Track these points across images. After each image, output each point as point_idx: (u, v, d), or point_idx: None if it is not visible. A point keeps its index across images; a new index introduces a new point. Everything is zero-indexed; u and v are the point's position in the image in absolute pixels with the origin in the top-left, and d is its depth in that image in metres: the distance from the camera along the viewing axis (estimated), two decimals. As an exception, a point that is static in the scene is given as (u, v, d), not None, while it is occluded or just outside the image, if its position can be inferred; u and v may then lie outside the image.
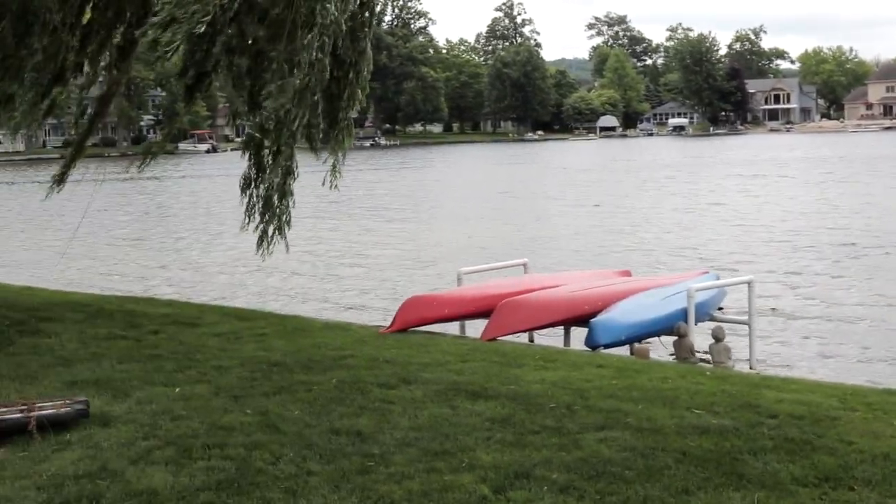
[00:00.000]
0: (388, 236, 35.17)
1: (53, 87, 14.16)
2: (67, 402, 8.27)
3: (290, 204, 11.95)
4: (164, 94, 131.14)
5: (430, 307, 13.99)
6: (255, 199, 11.88)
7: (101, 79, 15.26)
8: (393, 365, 10.42)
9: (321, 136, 11.77)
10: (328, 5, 10.60)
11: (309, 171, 11.77)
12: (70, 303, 14.71)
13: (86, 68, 15.04)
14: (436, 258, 28.87)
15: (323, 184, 11.76)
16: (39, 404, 8.11)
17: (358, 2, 11.64)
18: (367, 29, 12.05)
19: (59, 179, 14.97)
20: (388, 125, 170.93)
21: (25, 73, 13.35)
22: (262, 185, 11.84)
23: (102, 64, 15.07)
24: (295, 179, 11.88)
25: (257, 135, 11.64)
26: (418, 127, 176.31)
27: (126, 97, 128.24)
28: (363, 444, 7.58)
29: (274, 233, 11.86)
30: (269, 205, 11.84)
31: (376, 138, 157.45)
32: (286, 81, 11.02)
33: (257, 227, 11.77)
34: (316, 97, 11.09)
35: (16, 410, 7.97)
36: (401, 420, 8.26)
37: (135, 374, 9.98)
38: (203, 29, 10.91)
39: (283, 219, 11.99)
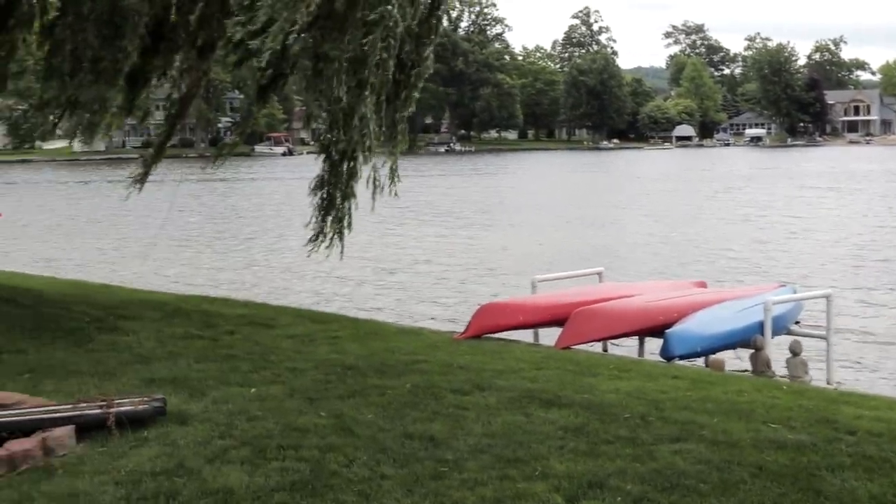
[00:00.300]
0: (461, 243, 35.18)
1: (139, 89, 14.38)
2: (145, 399, 8.36)
3: (352, 206, 12.02)
4: (241, 96, 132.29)
5: (504, 314, 13.97)
6: (322, 199, 11.98)
7: (181, 80, 15.44)
8: (467, 371, 10.41)
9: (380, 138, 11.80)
10: (392, 8, 10.67)
11: (379, 177, 11.79)
12: (148, 301, 14.87)
13: (172, 71, 15.24)
14: (509, 265, 28.83)
15: (383, 190, 11.86)
16: (118, 401, 8.21)
17: (427, 7, 11.69)
18: (433, 35, 12.10)
19: (140, 179, 15.16)
20: (463, 131, 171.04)
21: (118, 75, 13.57)
22: (327, 186, 11.95)
23: (183, 66, 15.25)
24: (357, 181, 11.94)
25: (327, 135, 11.73)
26: (493, 133, 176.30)
27: (204, 99, 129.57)
28: (436, 450, 7.58)
29: (333, 234, 11.96)
30: (332, 204, 11.93)
31: (451, 144, 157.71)
32: (349, 81, 11.11)
33: (315, 223, 11.87)
34: (380, 97, 11.15)
35: (95, 406, 8.07)
36: (474, 426, 8.24)
37: (211, 373, 10.06)
38: (295, 36, 11.04)
39: (344, 221, 12.08)
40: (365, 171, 12.07)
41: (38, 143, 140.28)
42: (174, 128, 16.46)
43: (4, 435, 7.76)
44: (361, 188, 12.23)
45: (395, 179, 12.20)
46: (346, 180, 11.96)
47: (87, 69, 13.46)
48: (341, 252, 12.24)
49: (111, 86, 13.71)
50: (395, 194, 11.99)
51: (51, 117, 13.40)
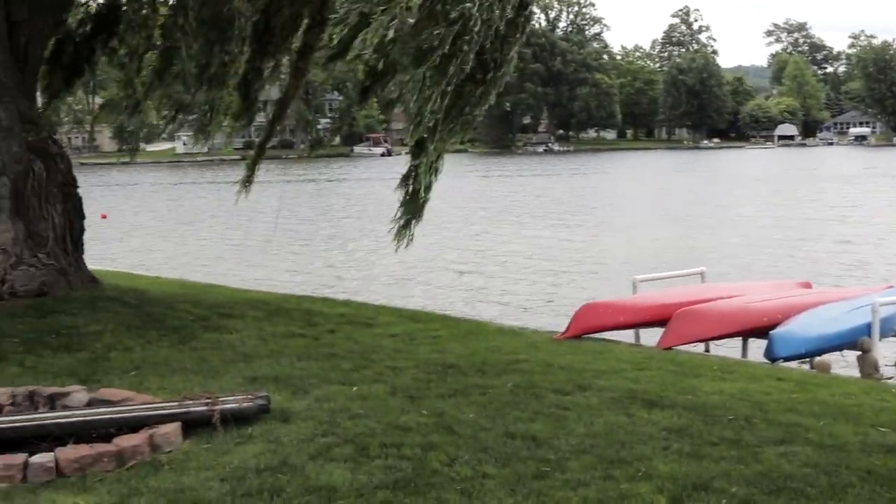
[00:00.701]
0: (560, 243, 35.07)
1: (250, 91, 14.57)
2: (249, 396, 8.44)
3: (425, 200, 12.05)
4: (340, 97, 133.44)
5: (605, 314, 13.88)
6: (405, 194, 12.04)
7: (280, 82, 15.63)
8: (568, 371, 10.36)
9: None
10: (471, 6, 10.65)
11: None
12: (250, 300, 15.04)
13: (272, 72, 15.42)
14: (609, 265, 28.69)
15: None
16: (223, 398, 8.31)
17: (515, 7, 11.65)
18: (518, 35, 12.07)
19: (247, 181, 15.35)
20: (561, 131, 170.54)
21: (226, 78, 13.76)
22: (409, 181, 11.99)
23: (284, 68, 15.43)
24: (435, 175, 11.96)
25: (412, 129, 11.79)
26: (592, 133, 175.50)
27: (304, 101, 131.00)
28: (538, 449, 7.54)
29: (412, 225, 12.02)
30: (415, 199, 11.97)
31: (549, 144, 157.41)
32: (414, 74, 11.13)
33: (399, 218, 11.93)
34: (448, 88, 11.13)
35: (200, 403, 8.17)
36: (576, 426, 8.19)
37: (313, 371, 10.14)
38: (391, 35, 11.09)
39: (418, 214, 12.12)
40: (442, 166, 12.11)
41: (142, 145, 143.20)
42: (274, 128, 16.65)
43: (113, 431, 7.90)
44: (454, 183, 12.26)
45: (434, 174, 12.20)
46: (422, 174, 12.00)
47: (195, 73, 13.67)
48: (406, 244, 12.24)
49: (220, 89, 13.92)
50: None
51: (161, 121, 13.64)
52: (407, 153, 12.20)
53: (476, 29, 10.72)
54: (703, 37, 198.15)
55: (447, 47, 10.66)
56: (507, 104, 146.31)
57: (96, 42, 15.88)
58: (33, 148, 13.58)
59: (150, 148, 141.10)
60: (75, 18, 16.10)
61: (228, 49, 13.72)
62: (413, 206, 12.11)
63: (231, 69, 13.77)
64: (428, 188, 12.04)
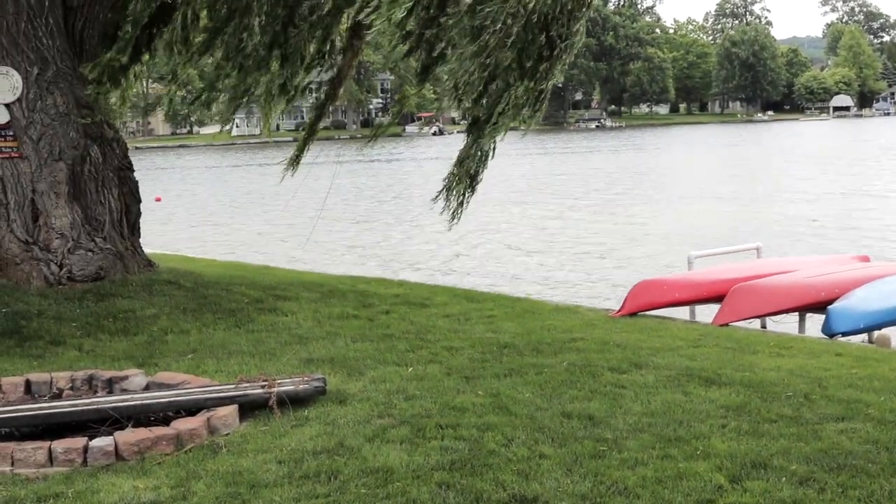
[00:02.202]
0: (613, 219, 34.91)
1: (296, 71, 14.55)
2: (306, 378, 8.48)
3: (479, 177, 12.01)
4: (392, 77, 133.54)
5: (660, 291, 13.78)
6: (457, 173, 12.02)
7: (334, 62, 15.58)
8: (623, 349, 10.30)
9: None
10: None
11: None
12: (305, 282, 15.08)
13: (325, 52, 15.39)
14: (663, 242, 28.50)
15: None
16: (279, 380, 8.35)
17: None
18: (584, 9, 11.96)
19: (294, 161, 15.36)
20: (613, 106, 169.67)
21: (271, 57, 13.73)
22: (464, 159, 11.96)
23: (337, 47, 15.39)
24: (490, 154, 11.92)
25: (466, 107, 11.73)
26: (644, 108, 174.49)
27: (356, 81, 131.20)
28: (595, 429, 7.51)
29: (464, 203, 11.99)
30: (468, 176, 11.94)
31: (601, 120, 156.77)
32: (466, 49, 11.06)
33: (453, 194, 11.90)
34: (495, 63, 11.05)
35: (257, 386, 8.22)
36: (633, 405, 8.15)
37: (368, 353, 10.16)
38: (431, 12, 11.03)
39: (465, 190, 12.08)
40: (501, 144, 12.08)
41: (195, 128, 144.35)
42: (325, 109, 16.63)
43: (170, 414, 7.97)
44: (506, 161, 12.26)
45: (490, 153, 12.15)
46: (478, 153, 11.97)
47: (241, 51, 13.66)
48: (456, 221, 12.23)
49: (265, 68, 13.89)
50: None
51: (210, 102, 13.65)
52: (460, 132, 12.16)
53: (539, 6, 10.65)
54: (756, 8, 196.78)
55: (509, 21, 10.60)
56: (559, 80, 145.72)
57: (153, 27, 15.97)
58: (89, 133, 13.69)
59: (204, 131, 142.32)
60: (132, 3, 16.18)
61: (275, 28, 13.69)
62: (465, 184, 12.09)
63: (276, 49, 13.72)
64: (482, 166, 12.01)
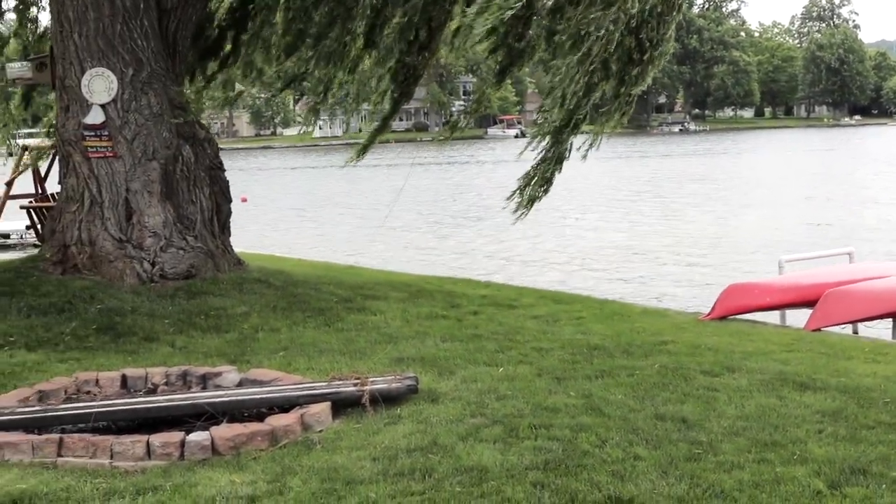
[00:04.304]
0: (699, 223, 34.59)
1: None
2: (398, 377, 8.50)
3: (553, 178, 12.00)
4: (474, 79, 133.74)
5: (750, 295, 13.62)
6: (531, 174, 12.01)
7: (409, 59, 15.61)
8: (715, 352, 10.20)
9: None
10: None
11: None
12: (392, 282, 15.14)
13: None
14: (752, 246, 28.16)
15: (581, 154, 11.87)
16: (371, 379, 8.39)
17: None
18: (675, 13, 11.89)
19: (361, 151, 15.41)
20: (697, 110, 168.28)
21: (345, 55, 13.79)
22: (541, 161, 11.95)
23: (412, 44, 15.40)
24: (566, 155, 11.90)
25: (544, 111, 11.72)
26: (728, 112, 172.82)
27: (438, 83, 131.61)
28: (689, 431, 7.45)
29: (535, 201, 11.98)
30: (540, 174, 11.93)
31: (685, 123, 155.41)
32: (570, 56, 11.04)
33: (526, 193, 11.89)
34: (593, 68, 11.03)
35: (350, 384, 8.26)
36: (727, 408, 8.07)
37: (458, 352, 10.17)
38: (516, 12, 11.02)
39: (541, 190, 12.05)
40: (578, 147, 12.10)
41: (279, 129, 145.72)
42: (400, 104, 16.68)
43: (264, 410, 8.04)
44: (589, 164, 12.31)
45: (595, 147, 12.12)
46: (555, 155, 11.95)
47: (312, 48, 13.75)
48: (522, 216, 12.22)
49: (338, 66, 13.94)
50: (584, 157, 11.91)
51: (290, 101, 13.77)
52: (543, 135, 12.13)
53: (634, 10, 10.62)
54: (844, 11, 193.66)
55: (611, 28, 10.58)
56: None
57: (239, 28, 16.17)
58: (182, 133, 13.87)
59: (287, 132, 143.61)
60: (220, 5, 16.41)
61: (349, 27, 13.77)
62: (540, 184, 12.09)
63: (350, 47, 13.77)
64: (558, 167, 12.02)
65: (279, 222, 39.59)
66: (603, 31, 11.04)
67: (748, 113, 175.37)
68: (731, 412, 7.96)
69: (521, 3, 10.53)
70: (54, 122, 17.75)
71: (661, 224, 34.74)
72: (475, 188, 55.42)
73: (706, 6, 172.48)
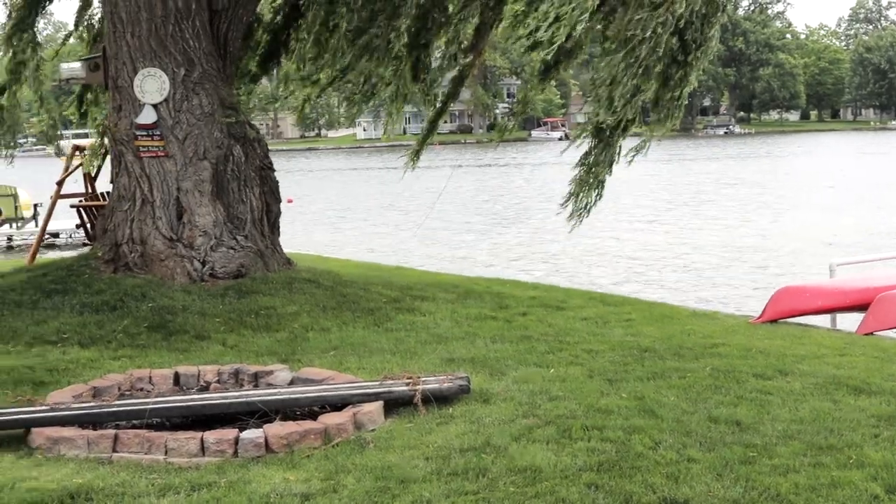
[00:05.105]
0: (748, 226, 34.34)
1: (417, 70, 14.63)
2: (449, 377, 8.51)
3: (603, 182, 11.96)
4: (518, 82, 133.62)
5: (802, 298, 13.51)
6: (582, 176, 11.98)
7: (456, 61, 15.63)
8: (767, 356, 10.14)
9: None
10: None
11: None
12: (439, 283, 15.14)
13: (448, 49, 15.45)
14: (802, 249, 27.90)
15: (628, 159, 11.84)
16: (423, 378, 8.40)
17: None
18: (719, 14, 11.83)
19: (414, 155, 15.42)
20: (742, 113, 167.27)
21: (389, 53, 13.79)
22: (587, 163, 11.92)
23: (459, 45, 15.42)
24: (615, 158, 11.85)
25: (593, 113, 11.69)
26: (774, 115, 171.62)
27: (482, 85, 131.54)
28: (743, 434, 7.41)
29: (586, 207, 11.94)
30: (593, 177, 11.89)
31: (730, 126, 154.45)
32: (613, 57, 11.00)
33: (580, 198, 11.86)
34: (642, 70, 10.98)
35: (401, 383, 8.28)
36: (780, 412, 8.02)
37: (508, 353, 10.17)
38: (582, 27, 11.02)
39: (594, 194, 12.02)
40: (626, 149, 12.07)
41: (323, 131, 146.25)
42: (447, 106, 16.69)
43: (316, 409, 8.08)
44: (634, 167, 12.30)
45: (644, 153, 12.09)
46: (603, 158, 11.92)
47: (356, 46, 13.76)
48: (577, 224, 12.20)
49: (381, 62, 13.94)
50: (630, 163, 11.88)
51: (333, 101, 13.77)
52: (586, 136, 12.09)
53: (681, 10, 10.57)
54: (892, 13, 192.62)
55: (659, 30, 10.54)
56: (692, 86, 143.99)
57: (289, 29, 16.25)
58: (232, 133, 13.93)
59: (332, 134, 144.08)
60: (270, 6, 16.50)
61: (395, 24, 13.77)
62: (593, 188, 12.06)
63: (394, 44, 13.77)
64: (608, 170, 11.99)
65: (324, 223, 39.69)
66: (650, 33, 11.01)
67: (794, 116, 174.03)
68: (785, 415, 7.91)
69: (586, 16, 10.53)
70: (105, 121, 17.94)
71: (706, 226, 34.50)
72: (515, 190, 55.30)
73: (752, 9, 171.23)
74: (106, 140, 15.92)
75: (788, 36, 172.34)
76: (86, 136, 19.05)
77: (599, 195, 12.16)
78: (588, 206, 12.14)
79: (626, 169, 12.34)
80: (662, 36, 11.01)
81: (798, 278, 19.81)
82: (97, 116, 17.99)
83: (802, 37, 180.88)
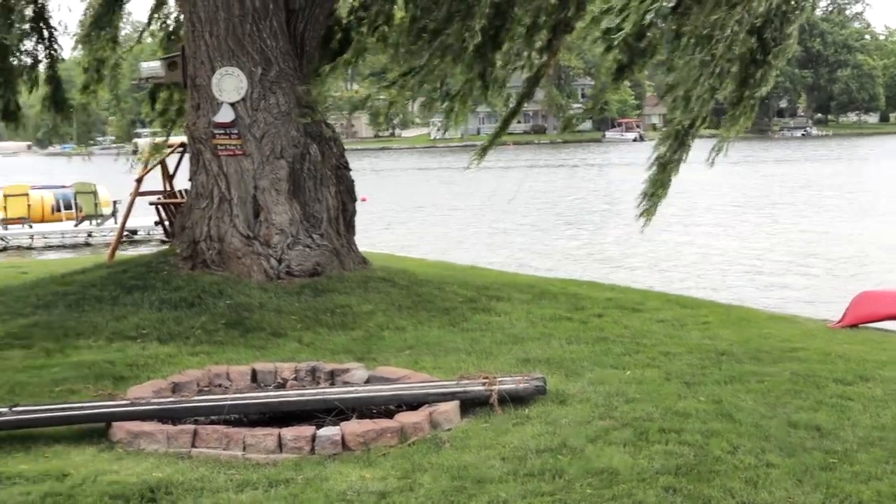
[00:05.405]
0: (825, 229, 33.88)
1: (488, 68, 14.59)
2: (526, 378, 8.49)
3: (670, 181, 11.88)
4: (593, 83, 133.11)
5: (882, 303, 13.29)
6: (654, 176, 11.90)
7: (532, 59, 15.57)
8: (847, 361, 9.99)
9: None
10: None
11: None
12: (514, 283, 15.10)
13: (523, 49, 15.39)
14: (883, 254, 27.47)
15: (709, 161, 11.76)
16: (500, 378, 8.39)
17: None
18: (798, 11, 11.69)
19: (482, 152, 15.39)
20: (819, 115, 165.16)
21: (463, 52, 13.76)
22: (661, 162, 11.83)
23: (535, 44, 15.35)
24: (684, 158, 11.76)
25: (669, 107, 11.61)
26: (852, 117, 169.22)
27: (556, 86, 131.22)
28: (823, 440, 7.31)
29: (653, 205, 11.86)
30: (661, 181, 11.81)
31: (807, 128, 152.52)
32: (691, 58, 10.91)
33: (646, 199, 11.79)
34: (719, 70, 10.89)
35: (478, 383, 8.28)
36: (861, 418, 7.91)
37: (584, 354, 10.12)
38: (651, 17, 10.94)
39: (660, 192, 11.93)
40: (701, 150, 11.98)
41: (398, 131, 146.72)
42: (521, 106, 16.62)
43: (393, 408, 8.10)
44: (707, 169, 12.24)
45: (723, 153, 12.01)
46: (677, 157, 11.83)
47: (431, 46, 13.75)
48: (646, 223, 12.14)
49: (455, 64, 13.91)
50: (712, 163, 11.79)
51: (406, 99, 13.68)
52: (662, 138, 12.03)
53: (760, 9, 10.47)
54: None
55: (736, 28, 10.45)
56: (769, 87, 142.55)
57: (362, 27, 16.29)
58: (309, 132, 14.01)
59: (406, 134, 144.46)
60: (346, 4, 16.56)
61: (469, 24, 13.74)
62: (665, 187, 11.99)
63: (468, 43, 13.74)
64: (677, 170, 11.92)
65: (397, 222, 39.79)
66: (728, 32, 10.92)
67: (873, 118, 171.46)
68: (867, 422, 7.80)
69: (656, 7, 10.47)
70: (174, 119, 18.17)
71: (782, 230, 34.06)
72: (592, 191, 55.04)
73: (829, 9, 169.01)
74: (174, 139, 16.11)
75: (867, 37, 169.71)
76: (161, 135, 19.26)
77: (664, 192, 12.11)
78: (656, 205, 12.09)
79: (700, 171, 12.25)
80: (739, 34, 10.92)
81: (879, 283, 19.50)
82: (171, 116, 18.24)
83: (882, 38, 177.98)
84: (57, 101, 17.20)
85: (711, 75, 11.03)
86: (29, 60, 16.81)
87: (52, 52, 16.95)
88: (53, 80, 17.14)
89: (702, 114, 11.48)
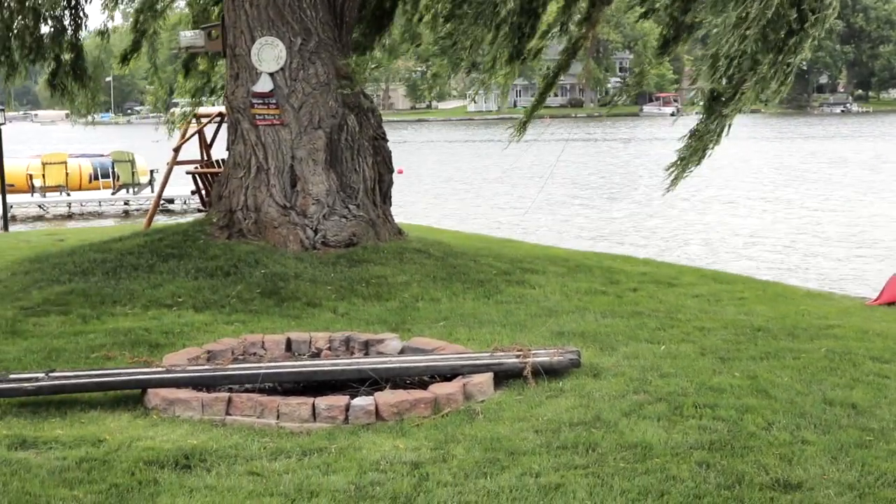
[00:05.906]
0: (863, 208, 33.56)
1: (525, 39, 14.50)
2: (560, 350, 8.49)
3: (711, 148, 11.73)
4: (631, 56, 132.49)
5: (920, 281, 13.21)
6: (689, 146, 11.78)
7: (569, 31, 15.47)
8: (884, 338, 9.92)
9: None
10: None
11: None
12: (549, 256, 15.09)
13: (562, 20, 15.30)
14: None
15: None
16: (534, 351, 8.38)
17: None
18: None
19: (521, 127, 15.32)
20: (860, 91, 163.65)
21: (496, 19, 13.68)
22: (697, 132, 11.71)
23: (573, 16, 15.26)
24: (727, 127, 11.59)
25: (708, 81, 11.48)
26: (893, 93, 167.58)
27: (594, 59, 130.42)
28: (859, 418, 7.27)
29: (686, 173, 11.76)
30: (701, 148, 11.68)
31: (847, 104, 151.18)
32: (727, 16, 10.79)
33: (683, 165, 11.67)
34: (752, 31, 10.74)
35: (512, 355, 8.28)
36: (898, 396, 7.86)
37: (618, 329, 10.10)
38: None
39: (696, 161, 11.81)
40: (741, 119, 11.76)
41: (434, 103, 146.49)
42: (557, 78, 16.52)
43: (426, 378, 8.11)
44: (745, 145, 12.06)
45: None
46: (714, 128, 11.70)
47: (464, 14, 13.67)
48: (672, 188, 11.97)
49: (489, 29, 13.82)
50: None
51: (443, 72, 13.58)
52: (698, 112, 11.92)
53: None
54: None
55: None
56: (804, 62, 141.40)
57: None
58: (347, 102, 14.00)
59: (442, 106, 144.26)
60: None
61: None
62: (697, 156, 11.87)
63: (501, 9, 13.65)
64: (716, 141, 11.79)
65: (433, 194, 39.77)
66: None
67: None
68: (904, 400, 7.74)
69: None
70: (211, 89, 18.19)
71: (820, 207, 33.76)
72: (627, 165, 54.76)
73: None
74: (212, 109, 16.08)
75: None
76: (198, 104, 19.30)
77: (698, 161, 11.96)
78: (685, 173, 11.97)
79: (737, 147, 12.11)
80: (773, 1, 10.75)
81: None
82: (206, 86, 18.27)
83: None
84: (77, 69, 17.13)
85: (742, 37, 10.87)
86: (56, 27, 16.70)
87: (77, 20, 16.88)
88: (75, 48, 17.07)
89: (736, 78, 11.32)
